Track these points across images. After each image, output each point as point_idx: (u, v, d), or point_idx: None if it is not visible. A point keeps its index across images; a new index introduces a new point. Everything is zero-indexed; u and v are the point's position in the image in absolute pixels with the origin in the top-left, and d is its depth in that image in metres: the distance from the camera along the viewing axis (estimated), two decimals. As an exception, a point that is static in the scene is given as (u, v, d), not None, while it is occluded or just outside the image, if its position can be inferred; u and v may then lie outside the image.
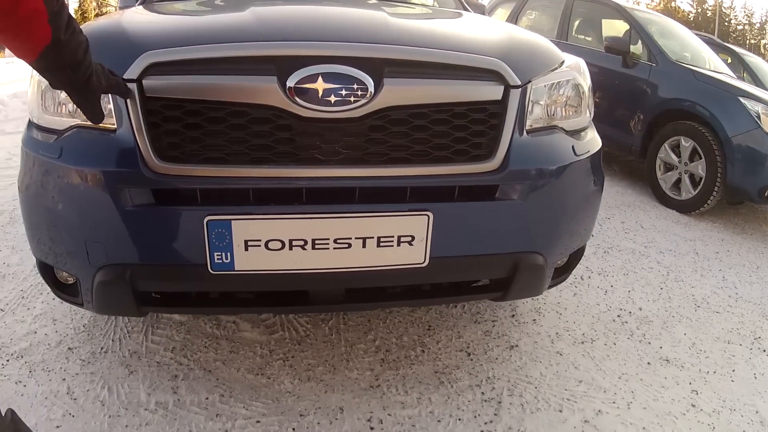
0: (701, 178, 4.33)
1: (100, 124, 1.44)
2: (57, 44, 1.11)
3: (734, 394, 2.10)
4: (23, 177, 1.62)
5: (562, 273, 1.95)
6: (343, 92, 1.43)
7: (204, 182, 1.45)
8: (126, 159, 1.44)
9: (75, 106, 1.38)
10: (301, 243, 1.45)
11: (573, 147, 1.74)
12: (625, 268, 3.21)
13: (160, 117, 1.44)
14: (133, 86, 1.41)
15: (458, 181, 1.56)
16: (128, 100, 1.43)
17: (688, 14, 62.06)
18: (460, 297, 1.94)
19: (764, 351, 2.45)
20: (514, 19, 6.58)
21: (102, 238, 1.48)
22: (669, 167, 4.63)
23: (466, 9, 3.01)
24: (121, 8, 2.67)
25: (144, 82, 1.42)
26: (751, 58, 8.36)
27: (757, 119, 4.12)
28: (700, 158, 4.35)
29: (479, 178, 1.57)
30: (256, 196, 1.47)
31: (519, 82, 1.60)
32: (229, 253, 1.44)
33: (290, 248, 1.45)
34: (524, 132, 1.65)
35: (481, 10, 3.28)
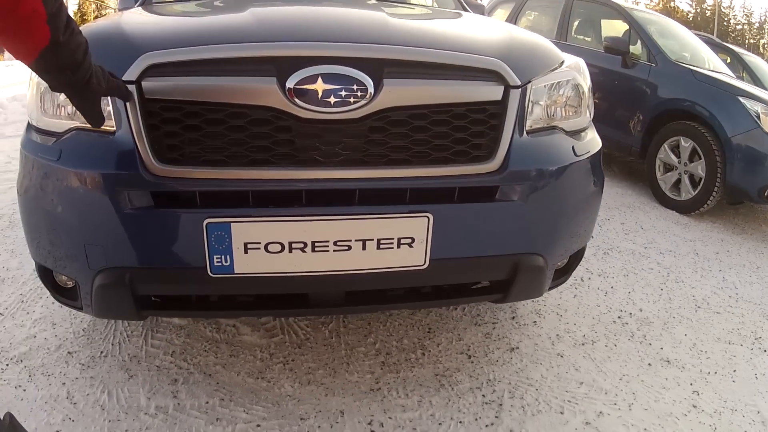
0: (701, 179, 4.33)
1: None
2: (56, 45, 1.10)
3: (735, 395, 2.09)
4: (22, 180, 1.62)
5: (562, 274, 1.95)
6: (343, 93, 1.43)
7: (203, 185, 1.44)
8: (125, 161, 1.43)
9: (74, 109, 1.38)
10: (301, 245, 1.45)
11: (573, 147, 1.74)
12: (625, 269, 3.20)
13: (159, 119, 1.44)
14: (132, 88, 1.41)
15: (458, 182, 1.55)
16: (127, 102, 1.42)
17: (687, 14, 62.14)
18: (461, 299, 1.93)
19: (765, 351, 2.45)
20: (513, 19, 6.58)
21: (101, 241, 1.48)
22: (669, 168, 4.63)
23: (465, 9, 3.01)
24: (120, 10, 2.66)
25: (143, 83, 1.42)
26: (751, 58, 8.36)
27: (756, 119, 4.12)
28: (700, 158, 4.34)
29: (479, 179, 1.57)
30: (255, 198, 1.46)
31: (519, 83, 1.60)
32: (228, 256, 1.44)
33: (290, 251, 1.45)
34: (524, 132, 1.64)
35: (480, 10, 3.27)
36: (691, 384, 2.13)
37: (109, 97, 1.43)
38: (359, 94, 1.44)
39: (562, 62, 1.88)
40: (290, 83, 1.42)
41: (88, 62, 1.21)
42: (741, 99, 4.26)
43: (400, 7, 2.51)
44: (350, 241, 1.47)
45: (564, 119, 1.78)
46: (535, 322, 2.46)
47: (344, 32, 1.67)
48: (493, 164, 1.57)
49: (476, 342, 2.25)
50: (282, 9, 1.95)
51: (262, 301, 1.69)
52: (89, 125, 1.37)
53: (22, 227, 1.68)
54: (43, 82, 1.29)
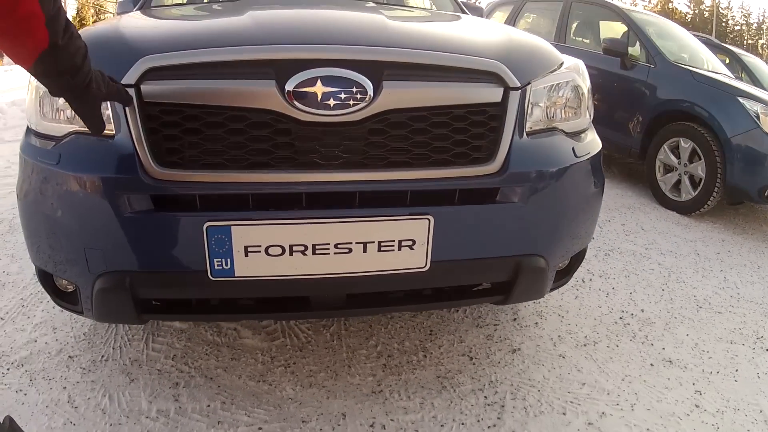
0: (701, 179, 4.33)
1: None
2: (54, 49, 1.10)
3: (738, 394, 2.09)
4: (22, 184, 1.62)
5: (563, 276, 1.94)
6: (342, 96, 1.43)
7: (203, 188, 1.44)
8: (124, 165, 1.43)
9: (73, 112, 1.37)
10: (302, 248, 1.44)
11: (573, 149, 1.74)
12: (626, 270, 3.20)
13: (158, 122, 1.44)
14: (131, 91, 1.40)
15: (459, 184, 1.55)
16: (127, 107, 1.42)
17: (686, 15, 62.23)
18: (462, 301, 1.93)
19: (767, 350, 2.44)
20: (511, 21, 6.59)
21: (101, 245, 1.48)
22: (668, 168, 4.63)
23: (464, 12, 3.01)
24: (118, 14, 2.66)
25: (142, 87, 1.42)
26: (749, 58, 8.36)
27: (756, 119, 4.12)
28: (700, 159, 4.34)
29: (480, 181, 1.56)
30: (255, 201, 1.46)
31: (518, 84, 1.60)
32: (229, 260, 1.43)
33: (290, 254, 1.44)
34: (524, 134, 1.64)
35: (479, 12, 3.28)
36: (694, 384, 2.12)
37: (108, 101, 1.43)
38: (359, 96, 1.44)
39: (562, 64, 1.88)
40: (290, 86, 1.41)
41: (88, 66, 1.21)
42: (740, 99, 4.26)
43: (398, 9, 2.51)
44: (351, 243, 1.46)
45: (564, 120, 1.78)
46: (536, 323, 2.46)
47: (343, 35, 1.67)
48: (494, 166, 1.57)
49: (478, 344, 2.25)
50: (281, 12, 1.95)
51: (263, 305, 1.69)
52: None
53: (22, 231, 1.68)
54: (42, 86, 1.29)
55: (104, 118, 1.37)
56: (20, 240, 2.95)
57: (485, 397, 1.93)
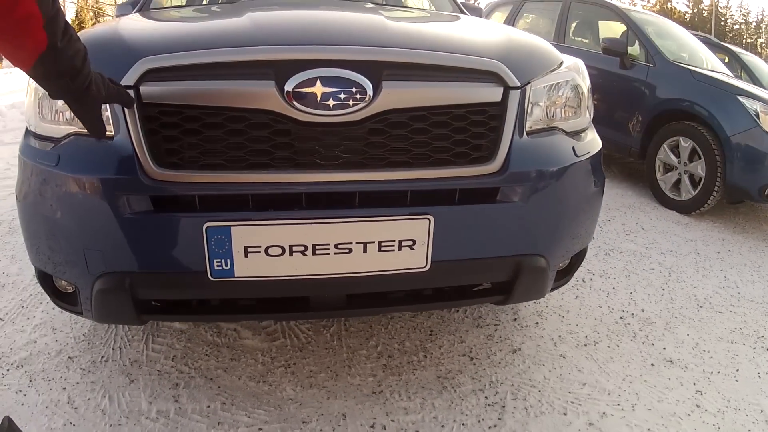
0: (701, 178, 4.32)
1: None
2: (53, 51, 1.10)
3: (739, 394, 2.09)
4: (21, 186, 1.61)
5: (564, 275, 1.94)
6: (342, 96, 1.43)
7: (203, 188, 1.44)
8: (124, 166, 1.43)
9: (72, 114, 1.37)
10: (302, 249, 1.44)
11: (573, 148, 1.74)
12: (626, 269, 3.20)
13: (157, 123, 1.43)
14: (130, 93, 1.40)
15: (459, 184, 1.55)
16: (128, 108, 1.42)
17: (684, 14, 62.25)
18: (462, 301, 1.92)
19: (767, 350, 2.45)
20: (511, 22, 6.59)
21: (101, 246, 1.47)
22: (668, 168, 4.63)
23: (463, 12, 3.01)
24: (117, 16, 2.66)
25: (141, 88, 1.42)
26: (749, 57, 8.36)
27: (756, 118, 4.12)
28: (700, 158, 4.34)
29: (480, 181, 1.56)
30: (255, 201, 1.46)
31: (518, 84, 1.59)
32: (228, 260, 1.43)
33: (290, 254, 1.44)
34: (524, 133, 1.64)
35: (478, 13, 3.28)
36: (695, 384, 2.12)
37: (108, 103, 1.43)
38: (358, 96, 1.44)
39: (561, 63, 1.88)
40: (289, 86, 1.41)
41: (87, 69, 1.20)
42: (740, 98, 4.25)
43: (397, 10, 2.51)
44: (351, 243, 1.46)
45: (564, 120, 1.78)
46: (537, 323, 2.45)
47: (343, 35, 1.67)
48: (494, 166, 1.57)
49: (478, 344, 2.25)
50: (280, 13, 1.95)
51: (263, 305, 1.69)
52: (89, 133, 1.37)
53: (22, 233, 1.68)
54: (41, 88, 1.29)
55: (104, 119, 1.37)
56: (20, 241, 2.95)
57: (486, 397, 1.93)
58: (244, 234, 1.41)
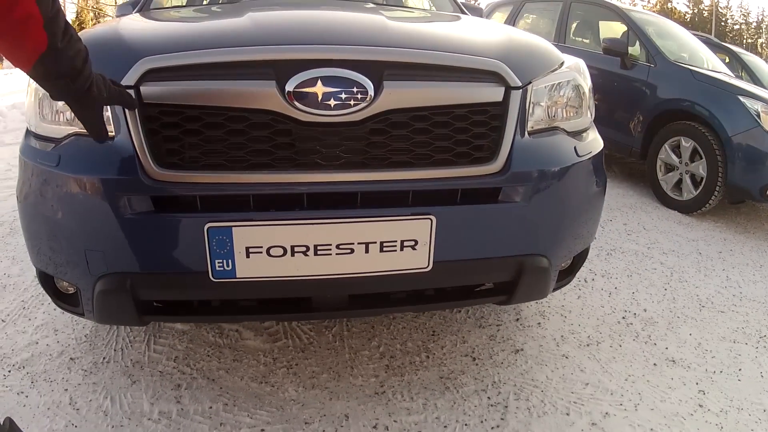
0: (702, 178, 4.32)
1: None
2: (54, 51, 1.09)
3: (741, 393, 2.08)
4: (22, 186, 1.61)
5: (566, 275, 1.94)
6: (343, 96, 1.42)
7: (204, 189, 1.43)
8: (124, 166, 1.42)
9: (73, 114, 1.36)
10: (303, 249, 1.44)
11: (575, 148, 1.73)
12: (628, 269, 3.19)
13: (158, 123, 1.43)
14: (130, 93, 1.40)
15: (461, 184, 1.55)
16: (130, 109, 1.41)
17: (685, 15, 62.24)
18: (465, 301, 1.92)
19: (771, 350, 2.44)
20: (511, 22, 6.58)
21: (102, 246, 1.47)
22: (670, 168, 4.62)
23: (464, 12, 3.01)
24: (118, 16, 2.66)
25: (142, 88, 1.41)
26: (749, 57, 8.36)
27: (756, 117, 4.11)
28: (701, 158, 4.33)
29: (482, 181, 1.56)
30: (256, 202, 1.45)
31: (519, 83, 1.59)
32: (230, 261, 1.43)
33: (292, 254, 1.44)
34: (526, 133, 1.63)
35: (478, 13, 3.28)
36: (697, 383, 2.11)
37: (110, 105, 1.42)
38: (359, 96, 1.43)
39: (562, 63, 1.88)
40: (290, 86, 1.41)
41: (88, 70, 1.20)
42: (741, 98, 4.25)
43: (398, 10, 2.50)
44: (353, 244, 1.46)
45: (565, 120, 1.78)
46: (539, 323, 2.45)
47: (343, 35, 1.67)
48: (496, 166, 1.56)
49: (481, 344, 2.24)
50: (280, 13, 1.95)
51: (264, 306, 1.68)
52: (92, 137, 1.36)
53: (23, 234, 1.68)
54: (41, 88, 1.28)
55: (104, 120, 1.36)
56: (21, 242, 2.95)
57: (488, 397, 1.93)
58: (245, 234, 1.41)
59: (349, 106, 1.43)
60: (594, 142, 1.88)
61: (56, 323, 2.28)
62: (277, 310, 1.70)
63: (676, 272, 3.22)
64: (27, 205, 1.60)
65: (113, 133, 1.45)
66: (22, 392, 1.86)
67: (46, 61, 1.10)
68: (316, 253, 1.45)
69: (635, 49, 5.13)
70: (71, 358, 2.05)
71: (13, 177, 4.40)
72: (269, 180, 1.45)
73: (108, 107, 1.43)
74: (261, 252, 1.42)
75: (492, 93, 1.57)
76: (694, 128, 4.39)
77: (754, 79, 7.46)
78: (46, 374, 1.95)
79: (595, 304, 2.71)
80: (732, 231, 4.20)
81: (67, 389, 1.88)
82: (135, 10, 2.67)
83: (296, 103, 1.41)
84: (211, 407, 1.81)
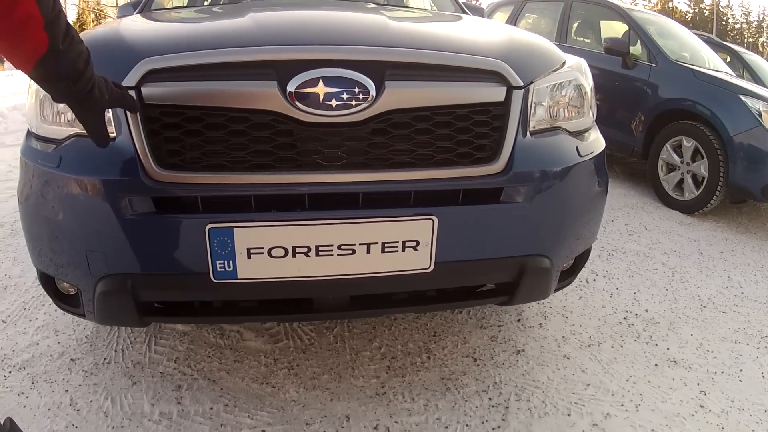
0: (704, 178, 4.31)
1: None
2: (55, 53, 1.09)
3: (743, 394, 2.08)
4: (23, 187, 1.61)
5: (568, 276, 1.93)
6: (345, 96, 1.42)
7: (205, 190, 1.43)
8: (126, 167, 1.42)
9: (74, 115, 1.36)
10: (305, 250, 1.44)
11: (577, 148, 1.73)
12: (630, 270, 3.19)
13: (159, 124, 1.43)
14: (131, 93, 1.40)
15: (462, 184, 1.54)
16: (134, 113, 1.41)
17: (686, 14, 62.22)
18: (466, 302, 1.91)
19: (773, 351, 2.43)
20: (512, 22, 6.58)
21: (103, 247, 1.47)
22: (671, 168, 4.62)
23: (465, 12, 3.01)
24: (119, 17, 2.66)
25: (143, 89, 1.41)
26: (750, 56, 8.36)
27: (758, 117, 4.11)
28: (702, 158, 4.33)
29: (484, 181, 1.56)
30: (258, 202, 1.45)
31: (521, 83, 1.59)
32: (231, 261, 1.42)
33: (294, 255, 1.44)
34: (527, 133, 1.63)
35: (479, 13, 3.27)
36: (698, 384, 2.11)
37: (112, 108, 1.41)
38: (361, 97, 1.43)
39: (564, 63, 1.87)
40: (291, 87, 1.41)
41: (90, 72, 1.19)
42: (742, 97, 4.24)
43: (399, 10, 2.50)
44: (354, 244, 1.45)
45: (567, 120, 1.77)
46: (540, 324, 2.45)
47: (345, 35, 1.67)
48: (497, 166, 1.56)
49: (482, 345, 2.24)
50: (282, 13, 1.95)
51: (266, 307, 1.68)
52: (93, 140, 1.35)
53: (24, 235, 1.68)
54: (43, 89, 1.27)
55: (105, 121, 1.35)
56: (22, 243, 2.95)
57: (489, 398, 1.92)
58: (247, 235, 1.40)
59: (351, 106, 1.43)
60: (596, 142, 1.87)
61: (57, 324, 2.27)
62: (279, 311, 1.70)
63: (677, 272, 3.22)
64: (28, 206, 1.59)
65: (114, 134, 1.45)
66: (22, 393, 1.86)
67: (46, 63, 1.09)
68: (317, 254, 1.45)
69: (636, 49, 5.13)
70: (72, 359, 2.04)
71: (14, 178, 4.40)
72: (271, 180, 1.44)
73: (109, 109, 1.43)
74: (262, 253, 1.42)
75: (494, 93, 1.57)
76: (695, 128, 4.39)
77: (756, 79, 7.46)
78: (47, 375, 1.95)
79: (596, 304, 2.70)
80: (734, 231, 4.19)
81: (67, 390, 1.88)
82: (136, 11, 2.67)
83: (298, 103, 1.41)
84: (211, 408, 1.81)
